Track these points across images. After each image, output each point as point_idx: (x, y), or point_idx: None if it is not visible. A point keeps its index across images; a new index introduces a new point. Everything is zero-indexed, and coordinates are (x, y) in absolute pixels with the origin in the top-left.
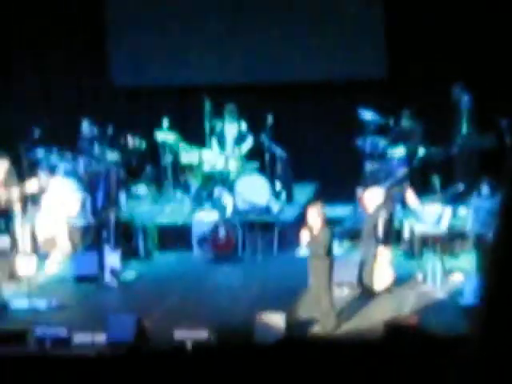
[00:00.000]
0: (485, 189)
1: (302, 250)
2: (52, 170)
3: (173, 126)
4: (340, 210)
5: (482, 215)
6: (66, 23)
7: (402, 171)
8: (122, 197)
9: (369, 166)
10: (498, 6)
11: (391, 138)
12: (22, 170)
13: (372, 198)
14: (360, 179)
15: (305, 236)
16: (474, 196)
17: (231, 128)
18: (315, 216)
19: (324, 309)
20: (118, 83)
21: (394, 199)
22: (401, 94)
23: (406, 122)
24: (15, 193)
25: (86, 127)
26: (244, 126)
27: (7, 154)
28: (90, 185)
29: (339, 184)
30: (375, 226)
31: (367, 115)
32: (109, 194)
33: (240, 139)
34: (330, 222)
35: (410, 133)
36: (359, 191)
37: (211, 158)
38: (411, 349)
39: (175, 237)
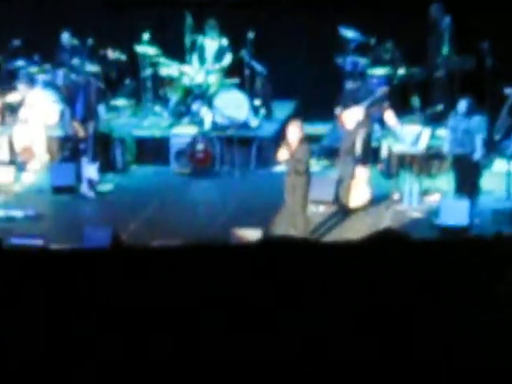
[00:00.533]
0: (462, 107)
1: (280, 166)
2: (31, 81)
3: (153, 40)
4: (319, 128)
5: (459, 134)
6: None
7: (381, 90)
8: (102, 109)
9: (348, 85)
10: None
11: (372, 58)
12: (1, 80)
13: (351, 116)
14: (339, 98)
15: (283, 152)
16: (450, 115)
17: (212, 43)
18: (295, 132)
19: (299, 225)
20: None
21: (373, 118)
22: (382, 12)
23: (385, 54)
24: None
25: (66, 39)
26: (225, 41)
27: None
28: (69, 96)
29: (319, 102)
30: (353, 145)
31: (348, 33)
32: (88, 105)
33: (220, 55)
34: (308, 140)
35: (388, 61)
36: (338, 110)
37: (191, 71)
38: (395, 251)
39: (153, 150)
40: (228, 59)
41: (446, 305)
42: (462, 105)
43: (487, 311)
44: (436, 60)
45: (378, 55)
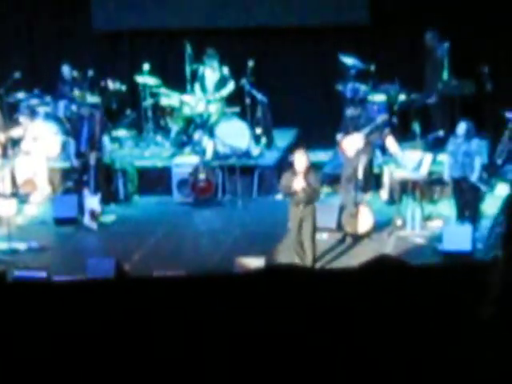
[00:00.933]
0: (460, 130)
1: (280, 195)
2: (32, 113)
3: (153, 70)
4: (320, 155)
5: (460, 158)
6: None
7: (381, 117)
8: (105, 140)
9: (349, 112)
10: None
11: (372, 84)
12: (3, 113)
13: (351, 143)
14: (340, 124)
15: (298, 182)
16: (450, 139)
17: (212, 72)
18: (302, 161)
19: (307, 255)
20: (98, 26)
21: (374, 145)
22: (381, 40)
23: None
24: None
25: (66, 71)
26: (225, 70)
27: None
28: (72, 128)
29: (319, 129)
30: (354, 172)
31: (348, 60)
32: (92, 137)
33: (221, 84)
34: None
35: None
36: (339, 136)
37: (192, 101)
38: (394, 276)
39: (155, 180)
40: (230, 87)
41: (440, 330)
42: (461, 128)
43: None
44: (435, 86)
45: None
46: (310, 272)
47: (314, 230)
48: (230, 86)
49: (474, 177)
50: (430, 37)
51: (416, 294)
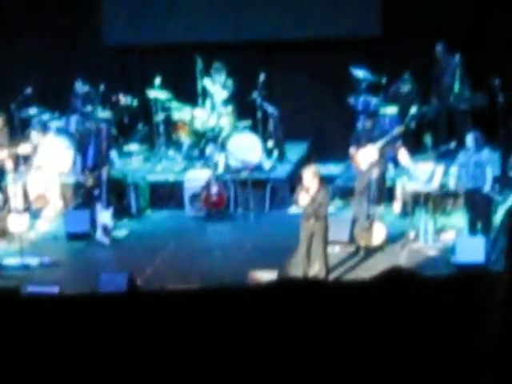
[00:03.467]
0: (469, 141)
1: (294, 208)
2: (44, 129)
3: (165, 84)
4: (332, 168)
5: (470, 169)
6: None
7: (398, 129)
8: (114, 155)
9: (361, 125)
10: None
11: (384, 97)
12: (14, 127)
13: (365, 156)
14: (352, 137)
15: (303, 197)
16: (460, 151)
17: (219, 86)
18: (311, 177)
19: (319, 269)
20: (110, 41)
21: (387, 157)
22: (394, 53)
23: (404, 85)
24: (7, 151)
25: (78, 86)
26: (230, 83)
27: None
28: (81, 143)
29: (331, 142)
30: (368, 185)
31: (359, 73)
32: (100, 152)
33: (228, 97)
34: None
35: (406, 94)
36: (352, 150)
37: (203, 115)
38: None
39: (167, 194)
40: (228, 93)
41: (452, 342)
42: (469, 139)
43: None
44: (448, 98)
45: (396, 89)
46: (323, 285)
47: (326, 244)
48: (228, 90)
49: (486, 187)
50: (439, 48)
51: (428, 305)
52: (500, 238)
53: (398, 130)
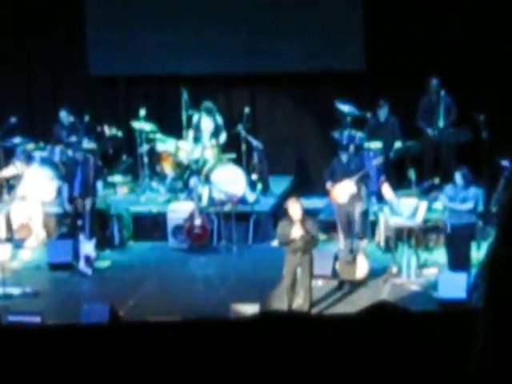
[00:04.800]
0: (458, 180)
1: (276, 242)
2: (28, 158)
3: (149, 116)
4: (315, 202)
5: (456, 205)
6: (45, 13)
7: (377, 160)
8: (99, 185)
9: (337, 159)
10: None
11: (368, 131)
12: None
13: (342, 190)
14: (327, 172)
15: (296, 230)
16: (448, 186)
17: (207, 123)
18: (296, 209)
19: (303, 302)
20: (95, 71)
21: (370, 192)
22: (378, 87)
23: (383, 116)
24: None
25: (63, 115)
26: (220, 120)
27: None
28: (66, 173)
29: (315, 176)
30: (349, 219)
31: (345, 108)
32: (86, 182)
33: (216, 132)
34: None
35: (387, 126)
36: (328, 185)
37: (187, 147)
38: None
39: (150, 226)
40: (223, 137)
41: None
42: (459, 176)
43: None
44: (433, 132)
45: (377, 122)
46: (307, 318)
47: (311, 278)
48: (224, 136)
49: (467, 206)
50: (434, 83)
51: (417, 341)
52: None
53: (378, 160)
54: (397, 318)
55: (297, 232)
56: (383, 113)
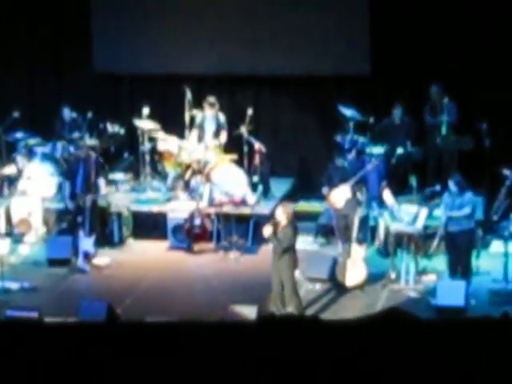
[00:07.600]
0: (453, 187)
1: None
2: (29, 153)
3: (152, 115)
4: (315, 206)
5: (454, 211)
6: (50, 10)
7: (372, 162)
8: (101, 182)
9: (334, 163)
10: (482, 11)
11: (377, 133)
12: (0, 151)
13: (340, 195)
14: (324, 177)
15: (267, 229)
16: (445, 194)
17: (210, 120)
18: (280, 214)
19: (291, 307)
20: (98, 69)
21: (370, 197)
22: (382, 92)
23: (397, 117)
24: None
25: (66, 112)
26: (222, 118)
27: None
28: (68, 169)
29: (317, 179)
30: (348, 223)
31: (347, 112)
32: (87, 179)
33: (218, 131)
34: (305, 218)
35: (401, 127)
36: (325, 190)
37: (189, 147)
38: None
39: (150, 225)
40: (224, 136)
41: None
42: (452, 183)
43: None
44: (434, 140)
45: (392, 123)
46: (307, 322)
47: (292, 284)
48: (224, 135)
49: (464, 212)
50: (434, 90)
51: (426, 348)
52: None
53: (373, 162)
54: (409, 326)
55: (267, 231)
56: (398, 114)
